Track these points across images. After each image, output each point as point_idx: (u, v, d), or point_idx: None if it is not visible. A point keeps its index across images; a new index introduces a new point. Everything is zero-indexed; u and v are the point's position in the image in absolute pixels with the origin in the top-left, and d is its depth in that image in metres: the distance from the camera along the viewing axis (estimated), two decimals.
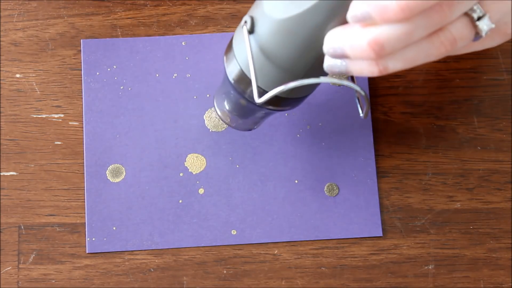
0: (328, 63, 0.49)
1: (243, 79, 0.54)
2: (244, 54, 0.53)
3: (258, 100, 0.51)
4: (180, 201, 0.65)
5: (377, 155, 0.66)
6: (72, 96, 0.67)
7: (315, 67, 0.52)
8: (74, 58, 0.68)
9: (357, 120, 0.67)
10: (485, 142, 0.67)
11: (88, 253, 0.64)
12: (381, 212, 0.65)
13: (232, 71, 0.55)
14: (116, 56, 0.67)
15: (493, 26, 0.48)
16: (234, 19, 0.68)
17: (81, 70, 0.67)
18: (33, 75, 0.67)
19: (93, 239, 0.64)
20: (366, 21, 0.46)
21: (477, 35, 0.48)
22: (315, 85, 0.55)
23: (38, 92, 0.67)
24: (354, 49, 0.47)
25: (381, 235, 0.65)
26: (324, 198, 0.65)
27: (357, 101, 0.58)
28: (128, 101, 0.67)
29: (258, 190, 0.65)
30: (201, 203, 0.65)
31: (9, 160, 0.66)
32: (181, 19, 0.68)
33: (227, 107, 0.59)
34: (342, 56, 0.48)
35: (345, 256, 0.65)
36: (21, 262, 0.64)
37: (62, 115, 0.67)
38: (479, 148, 0.67)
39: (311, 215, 0.65)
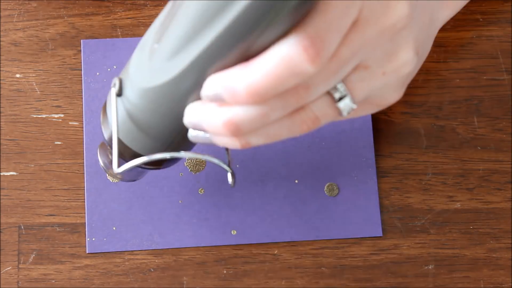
0: (192, 134, 0.47)
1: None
2: (112, 115, 0.51)
3: (117, 170, 0.50)
4: (180, 201, 0.65)
5: (377, 155, 0.66)
6: (72, 96, 0.67)
7: (183, 135, 0.50)
8: (74, 58, 0.68)
9: (357, 120, 0.67)
10: (485, 142, 0.67)
11: (88, 253, 0.64)
12: (381, 212, 0.65)
13: (105, 132, 0.54)
14: (116, 56, 0.67)
15: (354, 106, 0.44)
16: None
17: (81, 70, 0.67)
18: (33, 75, 0.67)
19: (93, 239, 0.64)
20: (219, 101, 0.43)
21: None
22: (185, 149, 0.53)
23: (38, 92, 0.67)
24: (211, 127, 0.44)
25: (381, 235, 0.65)
26: (324, 198, 0.65)
27: (227, 172, 0.55)
28: None
29: (258, 190, 0.65)
30: (201, 203, 0.65)
31: (9, 160, 0.66)
32: None
33: (109, 159, 0.58)
34: (202, 130, 0.46)
35: (345, 256, 0.65)
36: (21, 262, 0.64)
37: (62, 115, 0.67)
38: (479, 148, 0.67)
39: (311, 215, 0.65)
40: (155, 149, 0.51)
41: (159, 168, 0.55)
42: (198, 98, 0.46)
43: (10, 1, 0.68)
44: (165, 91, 0.46)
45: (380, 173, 0.66)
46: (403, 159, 0.66)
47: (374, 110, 0.48)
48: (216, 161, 0.50)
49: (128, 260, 0.64)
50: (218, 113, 0.43)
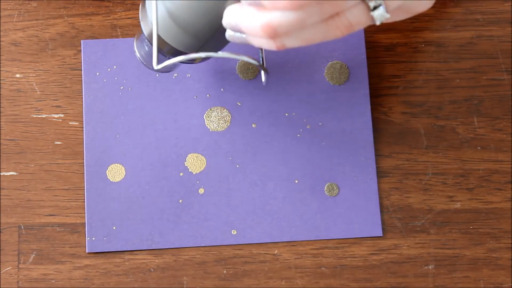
0: (229, 33, 0.50)
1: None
2: (152, 13, 0.55)
3: (156, 67, 0.53)
4: (180, 201, 0.65)
5: (377, 155, 0.66)
6: (72, 96, 0.67)
7: (220, 33, 0.53)
8: (74, 58, 0.68)
9: (357, 120, 0.67)
10: (485, 142, 0.67)
11: (88, 253, 0.64)
12: (381, 212, 0.65)
13: (145, 28, 0.57)
14: (116, 56, 0.67)
15: (387, 16, 0.47)
16: None
17: (81, 70, 0.67)
18: (33, 75, 0.67)
19: (93, 238, 0.64)
20: (258, 6, 0.46)
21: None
22: (220, 47, 0.57)
23: (38, 92, 0.67)
24: (249, 29, 0.47)
25: (381, 235, 0.65)
26: (324, 198, 0.65)
27: (261, 70, 0.58)
28: (128, 101, 0.67)
29: (258, 190, 0.65)
30: (201, 203, 0.65)
31: (9, 160, 0.66)
32: None
33: (145, 51, 0.61)
34: (240, 32, 0.49)
35: (345, 256, 0.65)
36: (21, 262, 0.64)
37: (62, 115, 0.67)
38: (479, 148, 0.67)
39: (311, 215, 0.65)
40: (192, 45, 0.54)
41: (193, 63, 0.58)
42: (232, 1, 0.49)
43: (10, 1, 0.68)
44: None
45: (380, 173, 0.66)
46: (403, 159, 0.66)
47: (405, 17, 0.50)
48: (252, 60, 0.52)
49: (128, 260, 0.64)
50: (257, 17, 0.46)
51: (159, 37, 0.55)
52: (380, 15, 0.47)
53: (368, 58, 0.68)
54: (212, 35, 0.53)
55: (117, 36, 0.68)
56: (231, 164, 0.66)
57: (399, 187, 0.66)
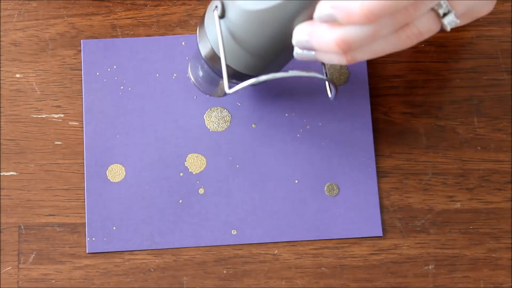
0: (298, 52, 0.51)
1: (213, 57, 0.56)
2: (214, 34, 0.54)
3: (229, 91, 0.53)
4: (180, 201, 0.65)
5: (377, 155, 0.66)
6: (72, 96, 0.67)
7: (285, 53, 0.53)
8: (74, 58, 0.68)
9: (357, 120, 0.67)
10: (485, 142, 0.67)
11: (88, 253, 0.64)
12: (381, 212, 0.65)
13: (203, 48, 0.56)
14: (116, 56, 0.67)
15: (458, 21, 0.49)
16: None
17: (81, 70, 0.67)
18: (33, 75, 0.67)
19: (93, 239, 0.64)
20: (332, 21, 0.47)
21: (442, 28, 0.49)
22: (282, 66, 0.57)
23: (38, 92, 0.67)
24: (321, 45, 0.48)
25: (381, 235, 0.65)
26: (324, 198, 0.65)
27: (326, 85, 0.59)
28: (128, 101, 0.67)
29: (258, 190, 0.65)
30: (201, 203, 0.65)
31: (9, 160, 0.66)
32: (181, 19, 0.69)
33: (200, 75, 0.61)
34: (311, 49, 0.50)
35: (345, 256, 0.65)
36: (21, 262, 0.64)
37: (62, 115, 0.67)
38: (479, 148, 0.67)
39: (311, 215, 0.65)
40: (256, 67, 0.54)
41: (256, 84, 0.58)
42: (304, 19, 0.49)
43: (10, 1, 0.68)
44: (273, 14, 0.49)
45: (380, 173, 0.66)
46: (403, 159, 0.66)
47: (468, 21, 0.51)
48: (321, 76, 0.53)
49: (128, 260, 0.64)
50: (330, 33, 0.47)
51: (218, 59, 0.55)
52: (450, 22, 0.48)
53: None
54: (277, 56, 0.53)
55: (117, 36, 0.68)
56: (231, 164, 0.66)
57: (399, 187, 0.66)
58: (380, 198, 0.66)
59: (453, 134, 0.67)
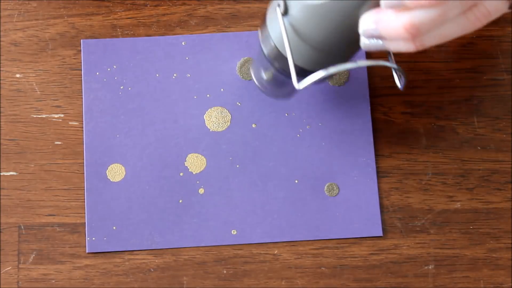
0: (365, 42, 0.51)
1: (278, 56, 0.56)
2: (277, 32, 0.54)
3: (298, 87, 0.52)
4: (180, 201, 0.65)
5: (377, 155, 0.66)
6: (72, 96, 0.67)
7: (350, 46, 0.53)
8: (74, 58, 0.68)
9: (357, 120, 0.67)
10: (485, 142, 0.67)
11: (88, 253, 0.64)
12: (381, 212, 0.65)
13: (266, 47, 0.56)
14: (116, 56, 0.67)
15: None
16: (234, 19, 0.68)
17: (81, 70, 0.67)
18: (33, 75, 0.67)
19: (93, 238, 0.64)
20: (400, 7, 0.47)
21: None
22: (347, 58, 0.56)
23: (38, 92, 0.67)
24: (390, 32, 0.48)
25: (381, 235, 0.65)
26: (324, 198, 0.65)
27: (394, 74, 0.58)
28: (128, 101, 0.67)
29: (258, 190, 0.65)
30: (201, 203, 0.65)
31: (9, 160, 0.66)
32: (181, 19, 0.69)
33: (264, 78, 0.60)
34: (378, 38, 0.49)
35: (345, 256, 0.65)
36: (21, 262, 0.64)
37: (62, 115, 0.67)
38: (479, 148, 0.67)
39: (311, 215, 0.65)
40: (323, 63, 0.53)
41: (324, 81, 0.57)
42: (368, 9, 0.49)
43: (10, 1, 0.68)
44: (337, 6, 0.49)
45: (380, 173, 0.66)
46: (403, 159, 0.66)
47: None
48: (390, 64, 0.52)
49: (128, 260, 0.64)
50: (397, 18, 0.47)
51: (282, 57, 0.55)
52: None
53: (368, 58, 0.68)
54: (342, 48, 0.53)
55: (117, 36, 0.68)
56: (231, 164, 0.66)
57: (399, 187, 0.66)
58: (380, 198, 0.66)
59: (453, 134, 0.67)
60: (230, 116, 0.67)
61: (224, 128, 0.66)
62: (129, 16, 0.68)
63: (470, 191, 0.66)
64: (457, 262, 0.65)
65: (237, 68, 0.67)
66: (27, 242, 0.64)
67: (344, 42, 0.52)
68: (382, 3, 0.48)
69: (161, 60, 0.67)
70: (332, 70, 0.51)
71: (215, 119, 0.66)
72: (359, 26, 0.50)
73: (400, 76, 0.55)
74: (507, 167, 0.66)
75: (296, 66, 0.54)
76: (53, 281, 0.64)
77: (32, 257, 0.64)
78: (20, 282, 0.64)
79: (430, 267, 0.65)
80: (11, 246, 0.64)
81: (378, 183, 0.66)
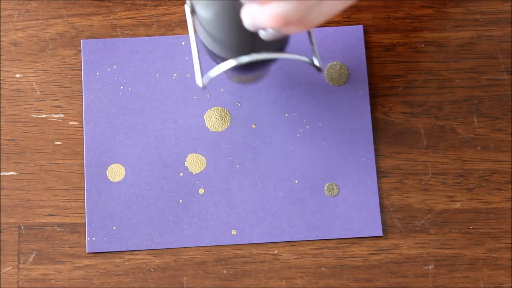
0: (262, 33, 0.50)
1: (205, 48, 0.57)
2: (199, 29, 0.55)
3: (200, 84, 0.53)
4: (180, 201, 0.65)
5: (377, 155, 0.66)
6: (72, 96, 0.67)
7: (255, 37, 0.53)
8: (74, 58, 0.68)
9: (357, 120, 0.67)
10: (485, 142, 0.67)
11: (88, 253, 0.64)
12: (381, 212, 0.65)
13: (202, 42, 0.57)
14: (116, 56, 0.67)
15: None
16: None
17: (81, 70, 0.67)
18: (33, 75, 0.67)
19: (93, 238, 0.64)
20: (258, 1, 0.46)
21: None
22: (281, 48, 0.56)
23: (38, 92, 0.67)
24: (264, 24, 0.47)
25: (381, 235, 0.65)
26: (324, 198, 0.65)
27: (311, 62, 0.58)
28: (128, 101, 0.67)
29: (258, 190, 0.65)
30: (201, 203, 0.65)
31: (9, 160, 0.66)
32: (181, 19, 0.69)
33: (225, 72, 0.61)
34: (264, 29, 0.49)
35: (345, 256, 0.65)
36: (21, 262, 0.64)
37: (62, 115, 0.67)
38: (479, 148, 0.67)
39: (311, 215, 0.65)
40: (238, 53, 0.54)
41: (258, 80, 0.60)
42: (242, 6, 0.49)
43: (10, 1, 0.68)
44: (221, 5, 0.50)
45: (380, 173, 0.66)
46: (403, 159, 0.66)
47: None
48: (298, 57, 0.52)
49: (128, 260, 0.64)
50: (264, 11, 0.46)
51: (209, 51, 0.56)
52: None
53: (368, 58, 0.68)
54: (246, 45, 0.53)
55: (117, 36, 0.68)
56: (231, 164, 0.66)
57: (399, 187, 0.66)
58: (380, 198, 0.66)
59: (453, 134, 0.67)
60: (230, 116, 0.67)
61: (224, 128, 0.66)
62: (129, 16, 0.68)
63: (470, 191, 0.66)
64: (457, 262, 0.65)
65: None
66: (27, 242, 0.64)
67: (246, 36, 0.53)
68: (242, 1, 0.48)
69: (161, 60, 0.67)
70: (245, 59, 0.52)
71: (215, 119, 0.66)
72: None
73: (316, 59, 0.55)
74: (507, 167, 0.66)
75: (221, 58, 0.55)
76: (53, 281, 0.64)
77: (32, 257, 0.64)
78: (20, 282, 0.64)
79: (430, 267, 0.65)
80: (11, 246, 0.64)
81: (378, 183, 0.66)
